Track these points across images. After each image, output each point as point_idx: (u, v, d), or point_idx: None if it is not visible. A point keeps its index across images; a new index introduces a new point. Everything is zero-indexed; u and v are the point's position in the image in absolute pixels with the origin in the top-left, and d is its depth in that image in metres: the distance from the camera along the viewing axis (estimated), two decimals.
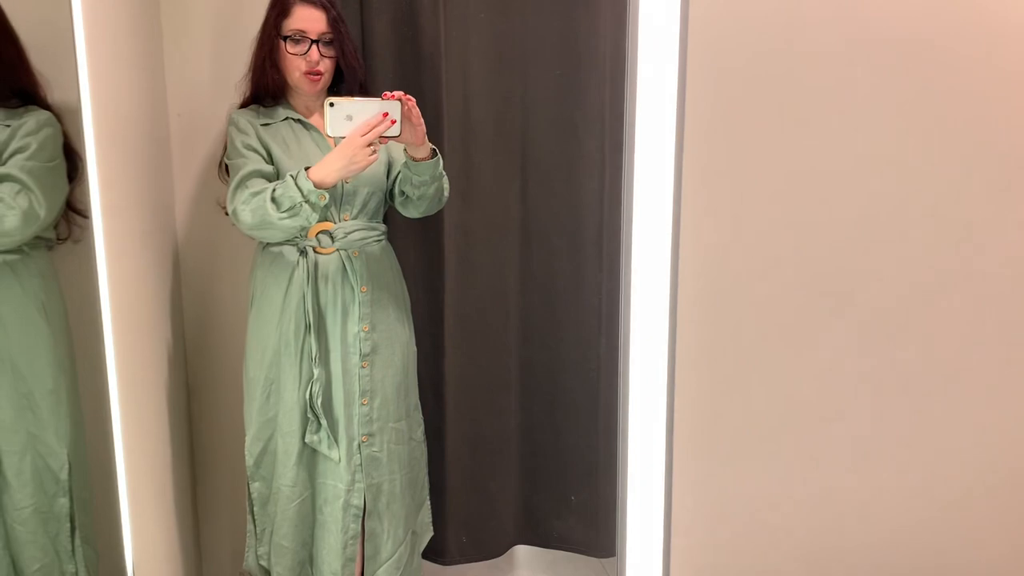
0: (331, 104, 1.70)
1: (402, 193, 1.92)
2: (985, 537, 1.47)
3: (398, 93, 1.71)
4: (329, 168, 1.71)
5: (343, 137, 1.71)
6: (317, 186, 1.70)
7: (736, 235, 1.30)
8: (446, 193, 1.95)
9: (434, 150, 1.85)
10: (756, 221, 1.30)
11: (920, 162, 1.34)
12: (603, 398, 2.29)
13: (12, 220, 1.37)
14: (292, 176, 1.72)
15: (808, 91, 1.28)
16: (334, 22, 1.84)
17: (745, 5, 1.25)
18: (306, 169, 1.72)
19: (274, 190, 1.72)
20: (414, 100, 1.73)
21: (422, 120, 1.76)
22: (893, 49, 1.30)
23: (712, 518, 1.39)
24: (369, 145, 1.70)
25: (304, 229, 1.80)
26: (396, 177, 1.93)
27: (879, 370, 1.39)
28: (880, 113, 1.31)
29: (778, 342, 1.35)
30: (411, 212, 1.95)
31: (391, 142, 1.78)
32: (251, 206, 1.74)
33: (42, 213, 1.41)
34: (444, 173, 1.91)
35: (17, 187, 1.38)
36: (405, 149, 1.83)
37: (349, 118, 1.70)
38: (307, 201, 1.70)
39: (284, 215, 1.71)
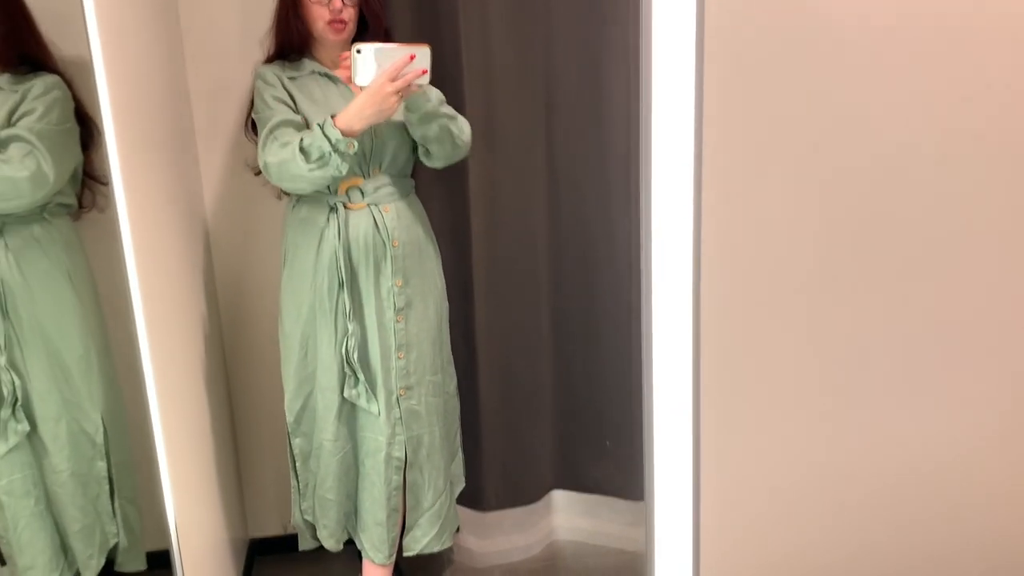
0: (358, 51, 1.66)
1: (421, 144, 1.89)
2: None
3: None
4: (358, 115, 1.69)
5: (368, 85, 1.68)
6: (345, 134, 1.68)
7: (762, 181, 1.26)
8: (458, 134, 1.87)
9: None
10: (784, 167, 1.26)
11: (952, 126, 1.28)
12: (635, 342, 2.27)
13: (22, 182, 1.37)
14: (319, 124, 1.69)
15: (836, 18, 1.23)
16: None
17: None
18: (332, 117, 1.70)
19: (302, 140, 1.70)
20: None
21: None
22: (926, 23, 1.23)
23: (741, 460, 1.37)
24: (398, 92, 1.68)
25: (335, 180, 1.78)
26: None
27: (912, 309, 1.35)
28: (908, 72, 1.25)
29: (805, 287, 1.31)
30: (435, 162, 1.91)
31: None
32: (279, 157, 1.72)
33: (51, 175, 1.40)
34: (451, 114, 1.86)
35: (26, 148, 1.37)
36: None
37: (377, 65, 1.67)
38: (336, 150, 1.68)
39: (313, 166, 1.69)
